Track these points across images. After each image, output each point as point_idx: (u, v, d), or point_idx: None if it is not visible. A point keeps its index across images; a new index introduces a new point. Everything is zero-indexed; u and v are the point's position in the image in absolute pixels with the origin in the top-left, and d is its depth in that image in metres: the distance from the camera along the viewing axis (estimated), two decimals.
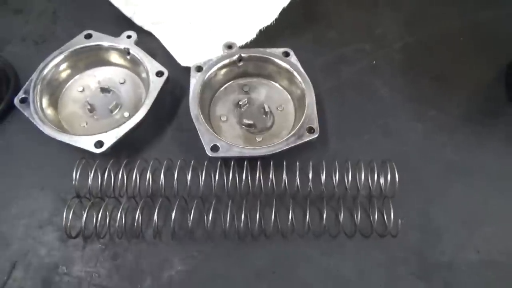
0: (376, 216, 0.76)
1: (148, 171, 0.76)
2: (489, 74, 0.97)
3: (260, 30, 0.95)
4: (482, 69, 0.98)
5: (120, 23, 0.98)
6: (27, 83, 0.83)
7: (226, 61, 0.88)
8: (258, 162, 0.77)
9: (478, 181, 0.83)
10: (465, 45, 1.02)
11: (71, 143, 0.77)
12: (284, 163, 0.77)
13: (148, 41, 0.96)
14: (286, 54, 0.89)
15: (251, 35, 0.95)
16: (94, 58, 0.91)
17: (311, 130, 0.79)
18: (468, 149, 0.87)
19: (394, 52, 1.00)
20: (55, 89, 0.88)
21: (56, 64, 0.87)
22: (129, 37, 0.89)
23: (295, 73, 0.86)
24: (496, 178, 0.83)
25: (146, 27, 0.99)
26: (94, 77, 0.92)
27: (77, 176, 0.75)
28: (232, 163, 0.77)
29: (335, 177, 0.76)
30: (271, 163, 0.77)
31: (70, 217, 0.72)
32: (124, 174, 0.76)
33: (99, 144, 0.77)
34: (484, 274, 0.75)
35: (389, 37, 1.02)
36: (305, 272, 0.74)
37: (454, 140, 0.88)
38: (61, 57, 0.87)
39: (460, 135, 0.88)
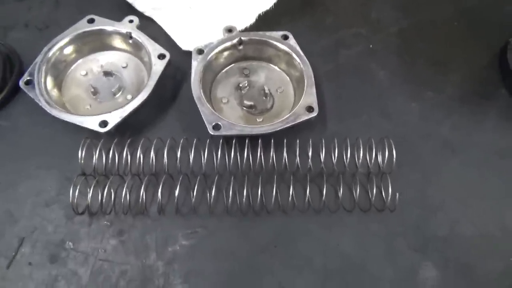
0: (374, 192, 0.78)
1: (152, 150, 0.78)
2: (483, 57, 0.99)
3: (259, 15, 0.97)
4: (477, 53, 1.00)
5: (121, 9, 0.99)
6: (31, 65, 0.84)
7: (227, 44, 0.90)
8: (259, 140, 0.78)
9: (473, 158, 0.85)
10: (460, 29, 1.04)
11: (76, 123, 0.79)
12: (285, 141, 0.79)
13: (149, 27, 0.98)
14: (285, 37, 0.91)
15: (250, 20, 0.97)
16: (97, 42, 0.93)
17: (310, 109, 0.81)
18: (464, 127, 0.89)
19: (390, 36, 1.02)
20: (59, 72, 0.90)
21: (60, 47, 0.88)
22: (131, 21, 0.91)
23: (294, 55, 0.88)
24: (490, 155, 0.86)
25: (147, 13, 1.01)
26: (97, 62, 0.94)
27: (83, 155, 0.77)
28: (234, 142, 0.79)
29: (334, 154, 0.79)
30: (272, 142, 0.79)
31: (76, 194, 0.74)
32: (128, 153, 0.78)
33: (103, 123, 0.78)
34: (479, 247, 0.77)
35: (385, 22, 1.04)
36: (306, 246, 0.76)
37: (450, 119, 0.90)
38: (66, 40, 0.88)
39: (456, 114, 0.91)
